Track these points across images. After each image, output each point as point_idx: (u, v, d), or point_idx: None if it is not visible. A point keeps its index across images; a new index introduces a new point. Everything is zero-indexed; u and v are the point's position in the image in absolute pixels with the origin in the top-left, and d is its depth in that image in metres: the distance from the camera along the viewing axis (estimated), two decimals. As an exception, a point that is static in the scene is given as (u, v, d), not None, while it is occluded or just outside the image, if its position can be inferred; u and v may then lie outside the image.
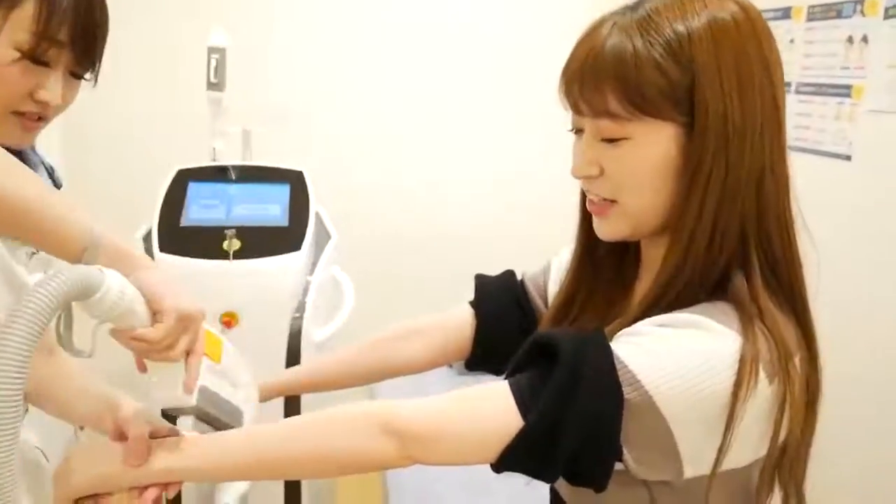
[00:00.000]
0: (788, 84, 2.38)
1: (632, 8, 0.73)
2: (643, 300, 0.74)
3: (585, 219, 0.84)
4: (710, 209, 0.70)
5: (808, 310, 0.74)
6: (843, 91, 2.09)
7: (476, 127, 2.61)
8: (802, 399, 0.69)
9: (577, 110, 0.75)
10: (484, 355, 0.99)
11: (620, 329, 0.73)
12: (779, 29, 2.39)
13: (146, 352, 0.74)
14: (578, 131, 0.77)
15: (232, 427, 0.82)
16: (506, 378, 0.72)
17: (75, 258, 0.73)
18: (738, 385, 0.65)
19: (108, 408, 0.85)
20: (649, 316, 0.72)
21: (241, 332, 1.50)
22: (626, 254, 0.85)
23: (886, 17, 1.92)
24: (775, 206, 0.73)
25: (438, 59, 2.56)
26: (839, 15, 2.10)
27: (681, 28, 0.69)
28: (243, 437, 0.75)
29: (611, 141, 0.73)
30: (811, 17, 2.24)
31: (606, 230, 0.78)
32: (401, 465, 0.70)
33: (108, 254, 0.74)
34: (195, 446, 0.72)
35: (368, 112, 2.52)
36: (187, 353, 0.76)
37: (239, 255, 1.56)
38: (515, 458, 0.68)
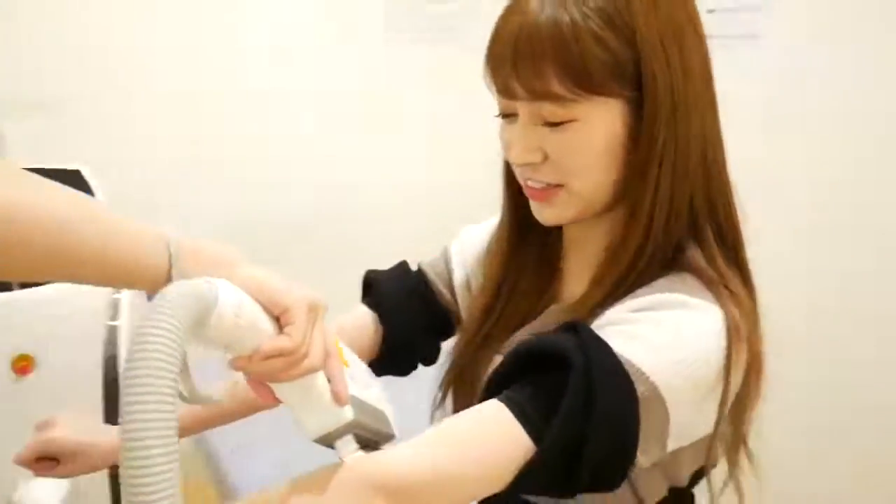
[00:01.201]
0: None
1: None
2: (600, 284, 0.71)
3: (514, 203, 0.80)
4: (666, 183, 0.68)
5: (748, 268, 0.74)
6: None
7: (287, 94, 2.35)
8: (759, 352, 0.69)
9: (508, 94, 0.69)
10: (390, 357, 0.91)
11: (574, 316, 0.70)
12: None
13: (284, 370, 0.57)
14: (507, 115, 0.72)
15: (389, 436, 0.68)
16: (490, 397, 0.65)
17: (159, 281, 0.56)
18: (729, 357, 0.65)
19: None
20: (612, 299, 0.69)
21: (41, 379, 1.22)
22: (548, 236, 0.81)
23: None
24: (718, 172, 0.72)
25: (221, 19, 2.25)
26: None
27: None
28: None
29: (554, 125, 0.68)
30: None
31: (552, 216, 0.74)
32: None
33: (196, 260, 0.58)
34: None
35: (152, 93, 2.17)
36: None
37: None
38: (533, 483, 0.63)
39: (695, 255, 0.70)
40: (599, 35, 0.64)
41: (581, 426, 0.60)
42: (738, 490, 0.74)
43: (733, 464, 0.74)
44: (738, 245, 0.74)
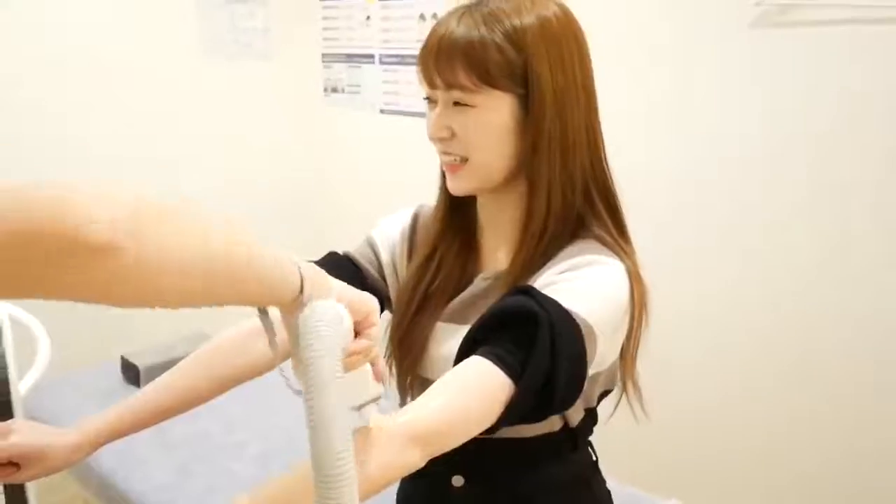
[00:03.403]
0: (371, 57, 2.71)
1: (475, 6, 0.87)
2: (520, 255, 0.89)
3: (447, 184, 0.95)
4: (556, 162, 0.87)
5: (627, 230, 0.93)
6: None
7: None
8: (645, 292, 0.89)
9: (431, 84, 0.88)
10: None
11: (509, 283, 0.87)
12: (353, 9, 2.69)
13: (357, 362, 0.68)
14: (432, 102, 0.90)
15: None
16: (468, 353, 0.78)
17: (290, 301, 0.60)
18: (632, 297, 0.85)
19: None
20: (535, 267, 0.87)
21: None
22: (469, 216, 0.98)
23: (450, -3, 2.34)
24: (599, 154, 0.91)
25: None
26: (409, -4, 2.47)
27: (516, 21, 0.85)
28: (298, 488, 0.66)
29: (460, 106, 0.86)
30: (383, -3, 2.57)
31: (458, 185, 0.91)
32: (420, 466, 0.72)
33: (311, 282, 0.62)
34: None
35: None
36: None
37: None
38: (514, 415, 0.76)
39: (592, 224, 0.89)
40: (500, 45, 0.84)
41: (548, 366, 0.75)
42: (638, 398, 0.95)
43: (630, 378, 0.94)
44: (619, 213, 0.92)
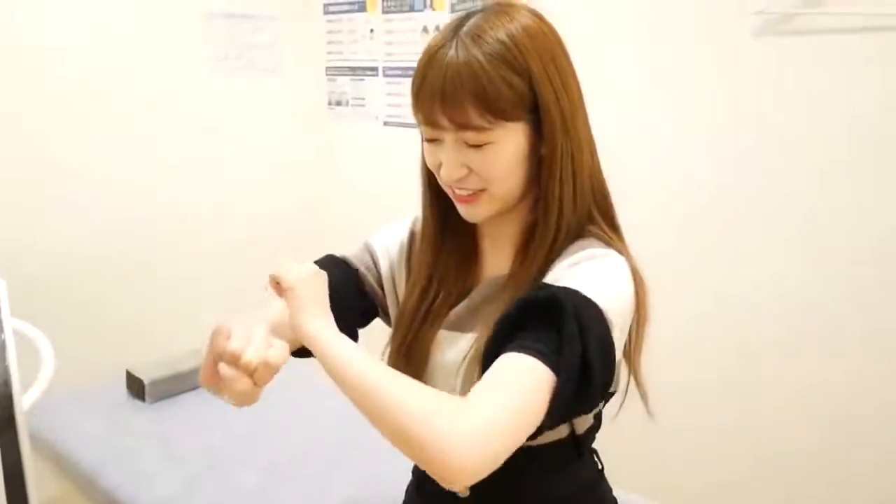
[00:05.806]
0: (375, 69, 2.73)
1: (459, 28, 0.83)
2: (532, 258, 0.88)
3: (436, 203, 0.95)
4: (568, 176, 0.86)
5: (621, 231, 0.93)
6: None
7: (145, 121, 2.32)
8: (646, 288, 0.88)
9: (434, 125, 0.84)
10: None
11: (515, 285, 0.87)
12: (356, 22, 2.71)
13: None
14: (432, 140, 0.87)
15: None
16: (495, 352, 0.77)
17: None
18: (636, 289, 0.85)
19: None
20: (544, 267, 0.86)
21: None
22: (465, 227, 0.96)
23: (453, 11, 2.35)
24: (598, 163, 0.91)
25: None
26: (412, 9, 2.49)
27: (506, 39, 0.81)
28: (363, 367, 0.74)
29: (475, 146, 0.83)
30: (387, 11, 2.58)
31: (475, 213, 0.89)
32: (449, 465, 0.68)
33: None
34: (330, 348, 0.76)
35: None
36: None
37: None
38: (560, 408, 0.74)
39: (588, 225, 0.89)
40: (505, 77, 0.80)
41: (581, 349, 0.74)
42: (644, 398, 0.92)
43: (637, 377, 0.91)
44: (614, 212, 0.92)
